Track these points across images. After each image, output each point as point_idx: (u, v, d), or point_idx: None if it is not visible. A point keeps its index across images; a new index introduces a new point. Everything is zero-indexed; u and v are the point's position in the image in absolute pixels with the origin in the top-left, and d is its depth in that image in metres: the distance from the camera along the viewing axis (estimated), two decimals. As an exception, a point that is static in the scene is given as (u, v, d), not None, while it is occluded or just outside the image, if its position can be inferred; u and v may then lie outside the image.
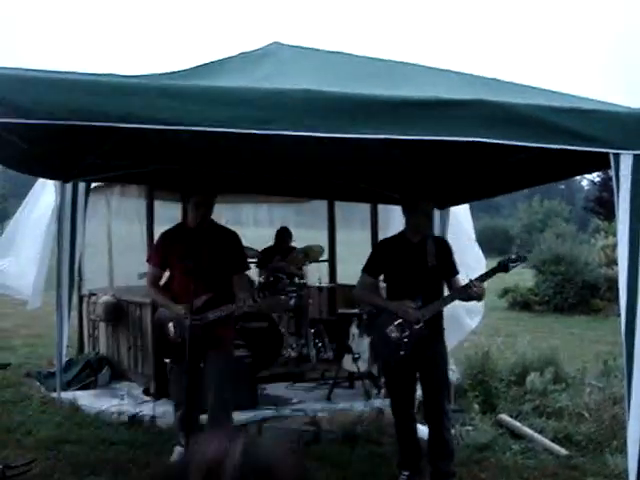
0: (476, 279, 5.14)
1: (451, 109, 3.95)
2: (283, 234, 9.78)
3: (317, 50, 5.60)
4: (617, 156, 4.07)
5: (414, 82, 4.72)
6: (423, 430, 5.59)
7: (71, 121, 3.76)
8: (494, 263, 5.30)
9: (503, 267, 5.18)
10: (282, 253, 9.47)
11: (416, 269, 5.25)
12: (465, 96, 4.04)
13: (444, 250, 5.44)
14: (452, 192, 6.96)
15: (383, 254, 5.47)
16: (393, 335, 5.17)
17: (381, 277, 5.58)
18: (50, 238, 7.40)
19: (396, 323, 5.18)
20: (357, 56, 5.53)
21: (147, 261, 5.69)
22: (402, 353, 5.15)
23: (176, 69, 4.65)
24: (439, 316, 5.36)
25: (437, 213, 7.23)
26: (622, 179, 4.08)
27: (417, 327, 5.11)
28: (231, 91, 3.92)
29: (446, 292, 5.43)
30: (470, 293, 5.14)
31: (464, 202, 7.41)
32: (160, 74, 4.47)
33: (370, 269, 5.46)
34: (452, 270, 5.41)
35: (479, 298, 5.31)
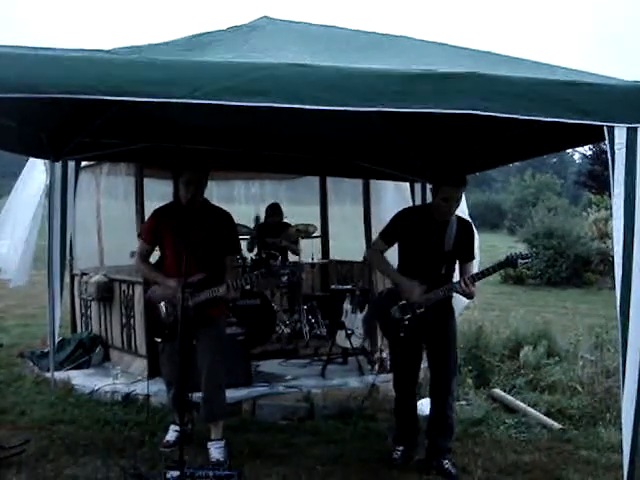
0: (481, 272, 5.06)
1: (446, 82, 3.90)
2: (273, 211, 9.73)
3: (307, 24, 5.55)
4: (611, 129, 4.04)
5: (407, 55, 4.67)
6: (422, 404, 5.60)
7: (58, 94, 3.70)
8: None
9: (512, 263, 5.00)
10: (275, 229, 9.44)
11: (431, 250, 5.15)
12: (459, 69, 3.99)
13: (465, 235, 5.28)
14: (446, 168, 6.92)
15: (403, 224, 5.31)
16: (396, 315, 5.15)
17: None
18: (38, 217, 7.36)
19: (400, 304, 5.15)
20: (348, 30, 5.47)
21: (138, 236, 5.66)
22: (402, 335, 5.14)
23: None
24: (447, 296, 5.25)
25: (429, 188, 7.21)
26: (617, 152, 4.05)
27: (419, 311, 5.08)
28: (219, 65, 3.87)
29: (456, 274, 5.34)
30: (457, 290, 5.09)
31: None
32: (147, 46, 4.41)
33: (386, 236, 5.34)
34: (467, 255, 5.29)
35: (467, 297, 5.23)
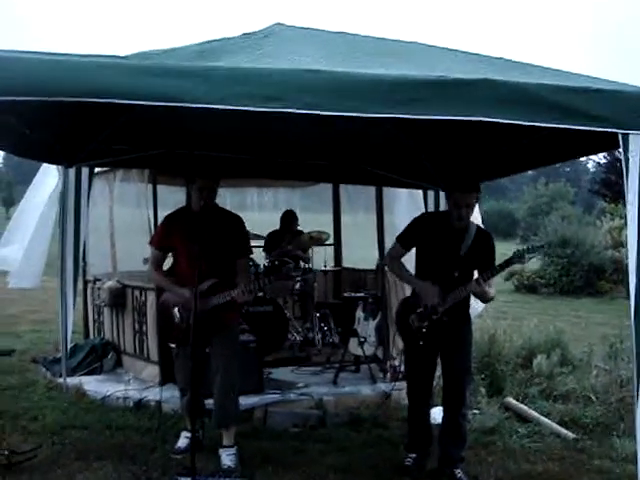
0: (490, 271, 4.99)
1: (458, 88, 3.89)
2: (289, 217, 9.74)
3: (320, 30, 5.55)
4: (626, 136, 4.02)
5: (419, 61, 4.67)
6: (435, 413, 5.58)
7: (70, 98, 3.72)
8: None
9: (519, 257, 4.93)
10: (288, 236, 9.44)
11: (446, 255, 5.12)
12: (472, 75, 3.98)
13: (482, 245, 5.19)
14: (458, 174, 6.90)
15: (420, 228, 5.31)
16: (414, 324, 5.14)
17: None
18: (49, 222, 7.38)
19: (417, 311, 5.15)
20: (361, 36, 5.47)
21: (150, 244, 5.65)
22: (421, 343, 5.14)
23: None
24: (463, 302, 5.20)
25: (443, 196, 7.19)
26: (631, 160, 4.03)
27: (435, 317, 5.06)
28: (232, 71, 3.87)
29: None
30: (471, 290, 5.05)
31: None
32: (160, 52, 4.43)
33: (403, 240, 5.33)
34: (486, 268, 5.11)
35: (483, 298, 5.19)
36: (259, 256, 9.22)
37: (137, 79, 3.75)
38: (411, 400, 5.47)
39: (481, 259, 5.17)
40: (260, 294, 8.36)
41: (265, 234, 9.65)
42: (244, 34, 5.14)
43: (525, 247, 5.05)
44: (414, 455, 5.39)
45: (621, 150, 4.05)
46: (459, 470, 5.18)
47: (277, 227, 9.82)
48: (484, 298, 5.18)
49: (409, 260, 5.41)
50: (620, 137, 4.02)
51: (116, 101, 3.75)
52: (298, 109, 3.76)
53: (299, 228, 9.76)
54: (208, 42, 4.78)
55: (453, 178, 5.26)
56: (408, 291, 5.77)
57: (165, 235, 5.47)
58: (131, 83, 3.74)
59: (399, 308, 5.52)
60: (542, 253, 5.52)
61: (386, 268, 6.86)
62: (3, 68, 3.65)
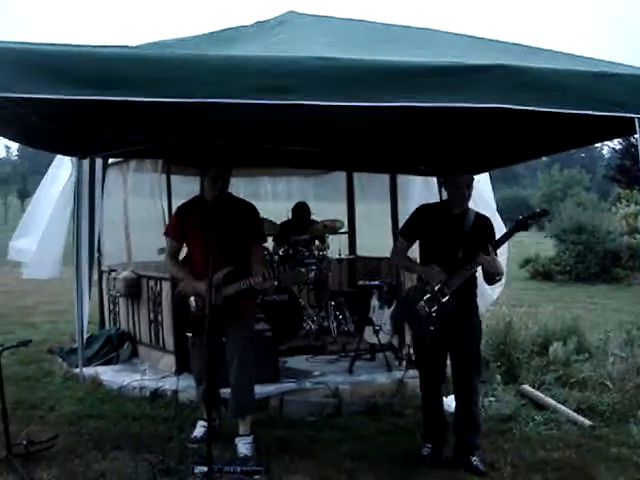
0: (496, 241, 5.07)
1: (472, 75, 3.86)
2: (300, 209, 9.72)
3: (333, 18, 5.54)
4: (643, 121, 3.97)
5: (433, 48, 4.64)
6: (450, 401, 5.57)
7: (78, 96, 3.71)
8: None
9: (522, 225, 4.96)
10: (301, 226, 9.43)
11: (449, 237, 5.15)
12: (486, 61, 3.94)
13: (482, 226, 5.24)
14: (472, 160, 6.86)
15: (421, 219, 5.36)
16: (424, 310, 5.13)
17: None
18: (66, 214, 7.40)
19: (425, 298, 5.14)
20: (374, 23, 5.45)
21: (165, 234, 5.66)
22: (432, 328, 5.12)
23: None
24: (470, 289, 5.24)
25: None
26: (647, 145, 3.99)
27: (444, 300, 5.06)
28: (246, 60, 3.85)
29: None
30: (480, 261, 5.03)
31: (484, 171, 7.31)
32: (173, 41, 4.42)
33: (406, 233, 5.40)
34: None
35: (491, 271, 5.14)
36: (270, 244, 9.20)
37: (145, 75, 3.72)
38: (424, 391, 5.47)
39: (483, 240, 5.17)
40: (275, 283, 8.36)
41: (278, 223, 9.64)
42: (257, 22, 5.13)
43: (527, 214, 5.07)
44: (430, 444, 5.39)
45: (637, 135, 4.01)
46: (475, 458, 5.18)
47: (290, 217, 9.82)
48: (493, 271, 5.15)
49: (412, 253, 5.43)
50: (637, 122, 3.98)
51: (120, 99, 3.74)
52: (311, 100, 3.74)
53: (312, 217, 9.74)
54: (221, 31, 4.76)
55: (447, 162, 5.28)
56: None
57: (179, 225, 5.48)
58: (139, 78, 3.71)
59: (405, 299, 5.52)
60: (543, 219, 5.55)
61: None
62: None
